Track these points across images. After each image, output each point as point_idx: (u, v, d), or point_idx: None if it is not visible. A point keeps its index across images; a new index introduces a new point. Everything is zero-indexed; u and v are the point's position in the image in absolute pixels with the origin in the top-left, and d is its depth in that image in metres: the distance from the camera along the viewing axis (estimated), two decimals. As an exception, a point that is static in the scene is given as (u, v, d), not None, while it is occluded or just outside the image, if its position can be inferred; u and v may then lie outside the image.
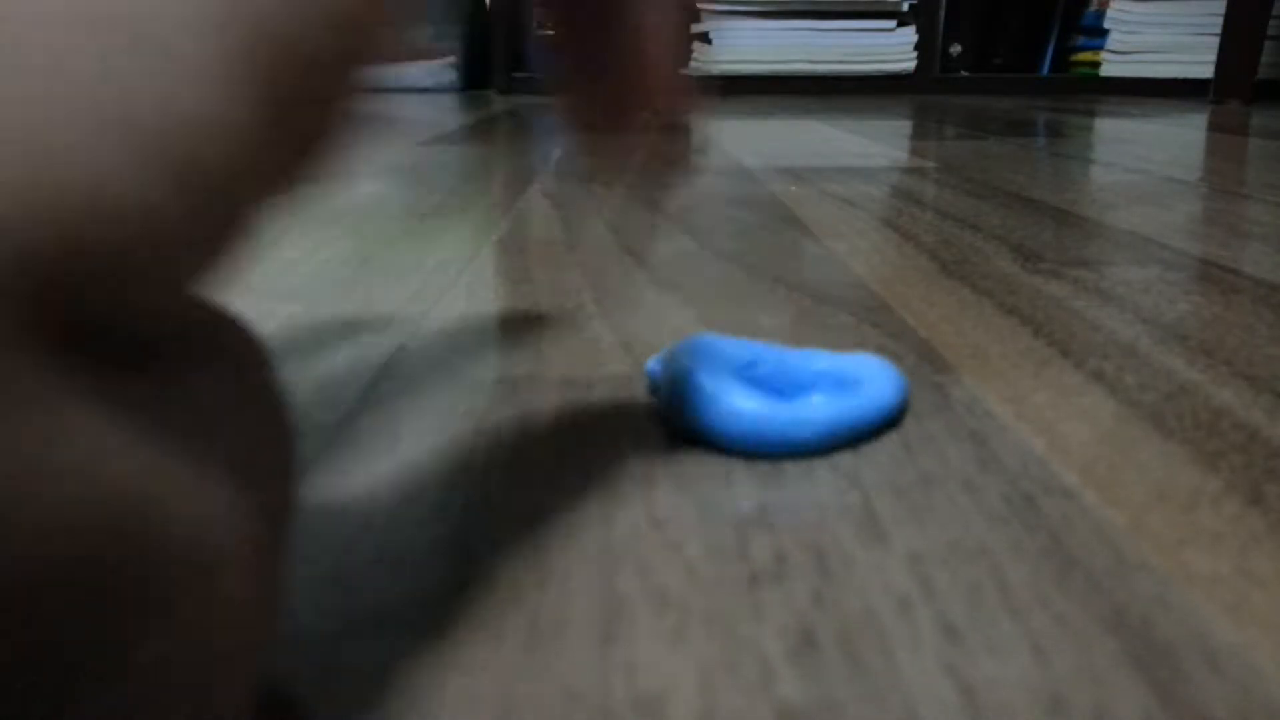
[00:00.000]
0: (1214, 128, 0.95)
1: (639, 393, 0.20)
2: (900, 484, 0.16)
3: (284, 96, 0.08)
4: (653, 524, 0.14)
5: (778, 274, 0.30)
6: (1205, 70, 1.47)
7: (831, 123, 0.99)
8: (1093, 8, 1.80)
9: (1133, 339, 0.23)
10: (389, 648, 0.11)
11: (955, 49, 1.84)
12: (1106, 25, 1.71)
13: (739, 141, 0.77)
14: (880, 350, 0.22)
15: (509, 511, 0.15)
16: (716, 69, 1.59)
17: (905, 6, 1.69)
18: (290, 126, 0.08)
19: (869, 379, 0.18)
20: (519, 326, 0.24)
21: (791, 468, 0.16)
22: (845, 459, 0.16)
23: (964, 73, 1.81)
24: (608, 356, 0.22)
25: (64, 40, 0.07)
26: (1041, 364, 0.21)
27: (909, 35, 1.69)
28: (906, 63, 1.69)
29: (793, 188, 0.50)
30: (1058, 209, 0.43)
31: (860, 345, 0.23)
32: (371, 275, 0.30)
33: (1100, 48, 1.73)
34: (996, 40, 1.89)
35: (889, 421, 0.18)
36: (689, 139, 0.18)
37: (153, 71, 0.07)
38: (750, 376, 0.18)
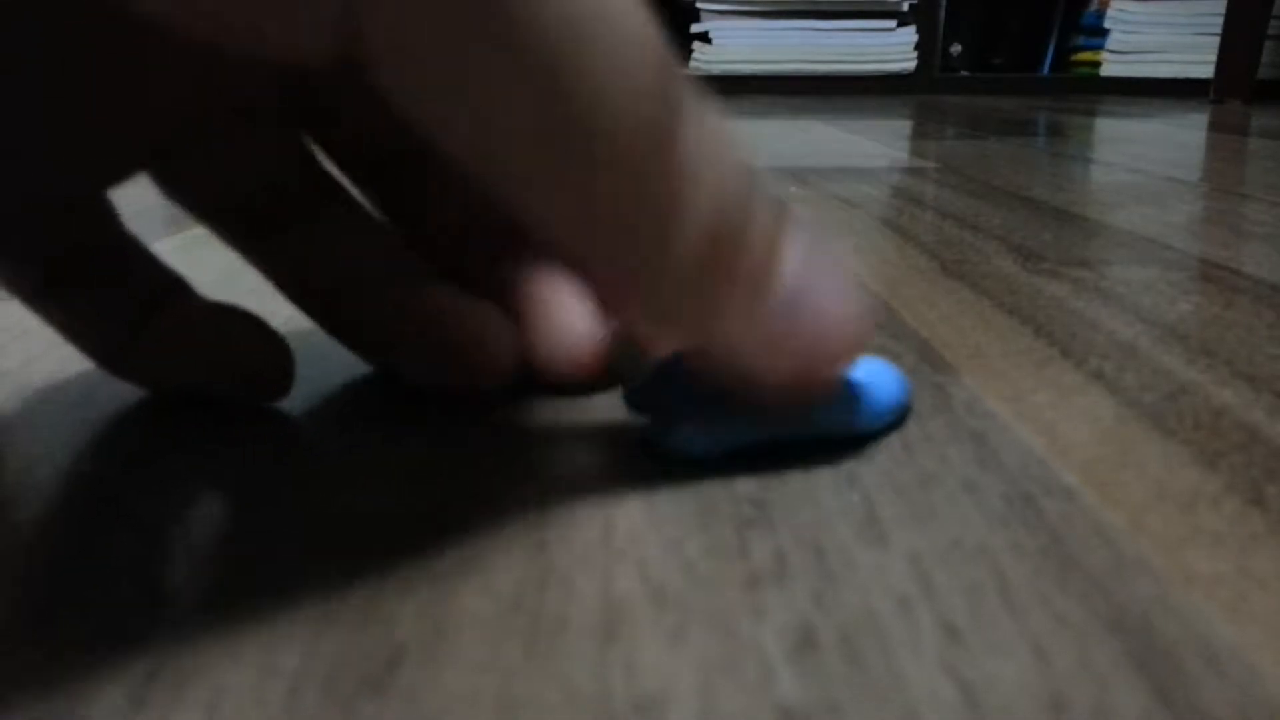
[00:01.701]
0: (1214, 128, 0.95)
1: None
2: (900, 484, 0.16)
3: None
4: (652, 524, 0.14)
5: (778, 274, 0.30)
6: (1205, 70, 1.47)
7: (831, 123, 0.99)
8: (1093, 8, 1.80)
9: (1133, 339, 0.23)
10: (388, 649, 0.11)
11: (955, 49, 1.84)
12: (1106, 25, 1.71)
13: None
14: (880, 350, 0.22)
15: (509, 511, 0.15)
16: (716, 69, 1.59)
17: (905, 6, 1.68)
18: None
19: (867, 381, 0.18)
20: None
21: (791, 468, 0.16)
22: (845, 459, 0.16)
23: (964, 73, 1.81)
24: (608, 356, 0.22)
25: None
26: (1041, 364, 0.21)
27: (909, 35, 1.69)
28: (906, 63, 1.69)
29: (793, 188, 0.50)
30: (1058, 209, 0.43)
31: (860, 345, 0.23)
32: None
33: (1100, 48, 1.73)
34: (996, 40, 1.89)
35: (883, 425, 0.17)
36: None
37: None
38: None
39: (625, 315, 0.15)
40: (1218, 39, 1.42)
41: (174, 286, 0.19)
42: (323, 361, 0.22)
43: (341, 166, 0.20)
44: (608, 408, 0.19)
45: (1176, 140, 0.80)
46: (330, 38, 0.11)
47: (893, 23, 1.68)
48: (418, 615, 0.12)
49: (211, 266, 0.32)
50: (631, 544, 0.14)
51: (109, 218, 0.19)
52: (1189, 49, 1.60)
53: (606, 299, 0.15)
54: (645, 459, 0.16)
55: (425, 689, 0.11)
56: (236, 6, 0.11)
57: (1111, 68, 1.70)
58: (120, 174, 0.18)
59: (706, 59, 1.61)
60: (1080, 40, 1.82)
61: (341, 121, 0.19)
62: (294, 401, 0.20)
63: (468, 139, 0.12)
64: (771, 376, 0.15)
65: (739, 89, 1.57)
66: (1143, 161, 0.63)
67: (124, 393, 0.20)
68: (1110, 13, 1.70)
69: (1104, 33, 1.71)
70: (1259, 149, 0.73)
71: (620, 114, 0.12)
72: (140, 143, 0.17)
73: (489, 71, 0.11)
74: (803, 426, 0.16)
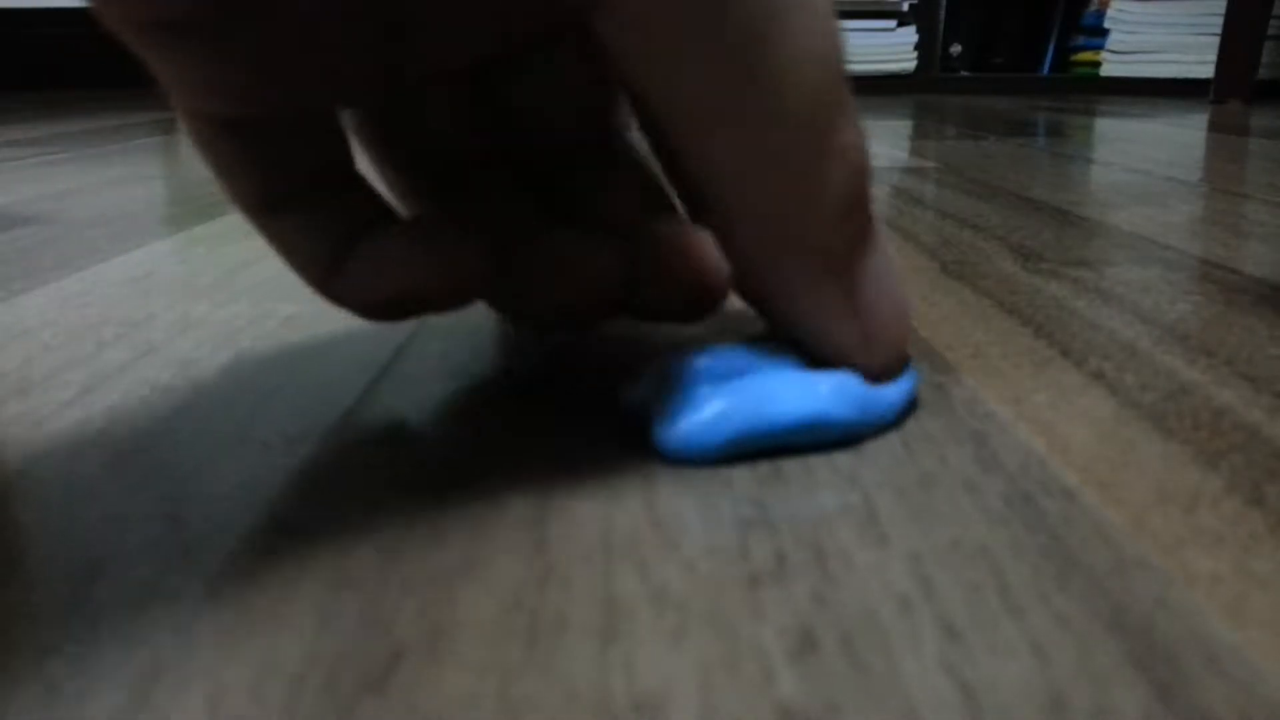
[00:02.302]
0: (1214, 128, 0.95)
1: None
2: (900, 484, 0.16)
3: None
4: (653, 524, 0.14)
5: (778, 274, 0.30)
6: (1205, 70, 1.47)
7: (831, 123, 0.99)
8: (1093, 8, 1.80)
9: (1133, 339, 0.23)
10: (388, 649, 0.11)
11: (955, 49, 1.84)
12: (1106, 25, 1.71)
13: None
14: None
15: (509, 511, 0.15)
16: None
17: (905, 6, 1.69)
18: None
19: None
20: (519, 326, 0.24)
21: (791, 468, 0.16)
22: (845, 459, 0.16)
23: (964, 73, 1.81)
24: (607, 356, 0.22)
25: None
26: (1041, 364, 0.21)
27: (909, 35, 1.69)
28: (906, 63, 1.69)
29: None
30: (1058, 209, 0.43)
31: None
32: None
33: (1100, 48, 1.73)
34: (996, 40, 1.89)
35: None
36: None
37: None
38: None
39: (767, 260, 0.17)
40: (1218, 39, 1.42)
41: (384, 213, 0.19)
42: (317, 366, 0.22)
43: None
44: (608, 407, 0.19)
45: (1176, 140, 0.80)
46: None
47: (893, 23, 1.68)
48: (418, 615, 0.12)
49: (210, 266, 0.32)
50: (631, 544, 0.14)
51: (345, 139, 0.19)
52: (1189, 49, 1.60)
53: (756, 247, 0.17)
54: (645, 459, 0.16)
55: (425, 689, 0.11)
56: None
57: (1111, 68, 1.70)
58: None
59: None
60: (1080, 40, 1.82)
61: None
62: (289, 403, 0.20)
63: (672, 94, 0.15)
64: (856, 346, 0.17)
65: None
66: (1143, 161, 0.63)
67: (121, 392, 0.20)
68: (1110, 13, 1.70)
69: (1104, 33, 1.71)
70: (1259, 149, 0.73)
71: (804, 81, 0.14)
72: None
73: (702, 35, 0.14)
74: (806, 426, 0.16)
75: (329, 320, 0.25)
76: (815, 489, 0.15)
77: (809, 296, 0.17)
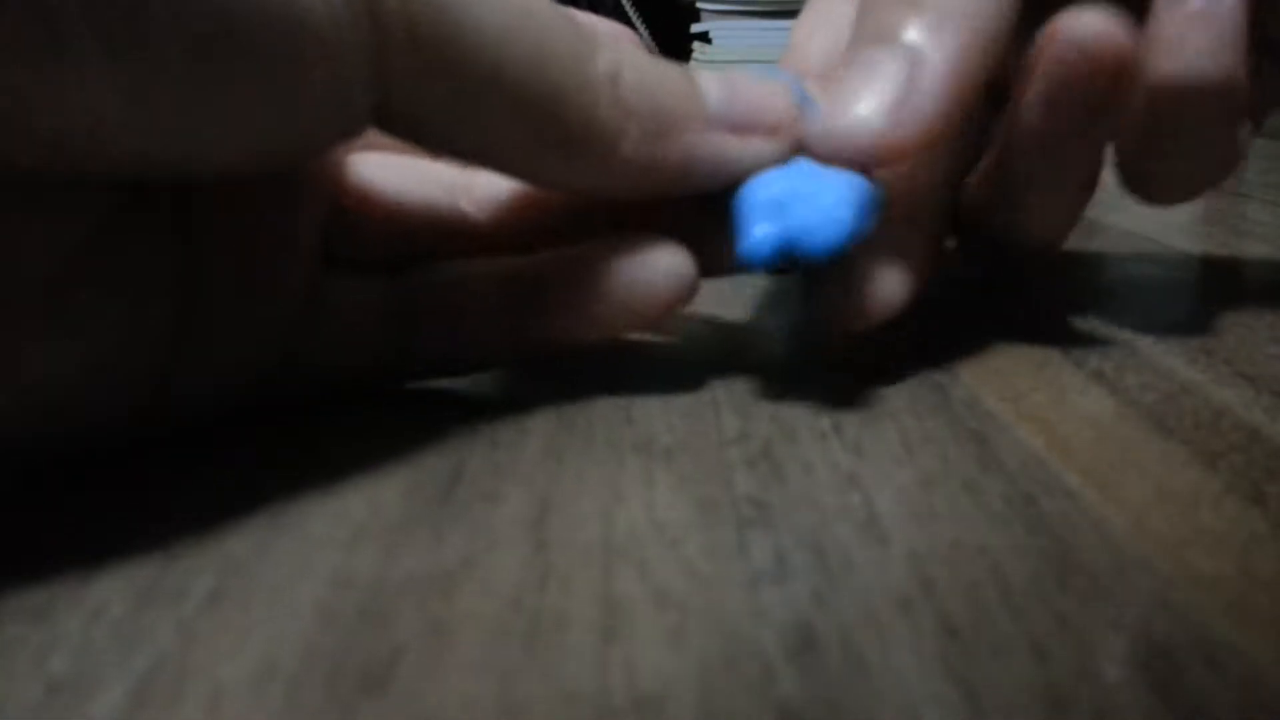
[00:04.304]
0: (1214, 128, 0.95)
1: (638, 392, 0.20)
2: (900, 484, 0.16)
3: None
4: (653, 524, 0.14)
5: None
6: (1205, 70, 1.46)
7: (831, 122, 0.99)
8: (1093, 7, 1.79)
9: (1132, 339, 0.23)
10: (388, 649, 0.11)
11: (955, 49, 1.83)
12: (1107, 25, 1.70)
13: (739, 141, 0.77)
14: (880, 349, 0.22)
15: (509, 510, 0.15)
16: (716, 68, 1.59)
17: (905, 6, 1.68)
18: None
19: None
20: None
21: (791, 468, 0.16)
22: (845, 459, 0.16)
23: (964, 72, 1.81)
24: (607, 357, 0.22)
25: None
26: (1041, 364, 0.21)
27: (909, 35, 1.68)
28: (906, 62, 1.69)
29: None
30: (1058, 209, 0.43)
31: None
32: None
33: (1100, 48, 1.73)
34: (996, 40, 1.89)
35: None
36: None
37: None
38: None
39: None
40: (1218, 39, 1.41)
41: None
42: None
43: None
44: (607, 405, 0.19)
45: (1176, 140, 0.80)
46: (366, 122, 0.15)
47: (893, 22, 1.68)
48: (418, 615, 0.12)
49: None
50: (631, 544, 0.14)
51: None
52: (1189, 49, 1.60)
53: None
54: (645, 459, 0.16)
55: (425, 689, 0.11)
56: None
57: (1111, 68, 1.70)
58: None
59: (707, 58, 1.61)
60: (1080, 40, 1.82)
61: None
62: (283, 407, 0.20)
63: (478, 149, 0.17)
64: (746, 151, 0.18)
65: (739, 89, 1.57)
66: (1143, 161, 0.63)
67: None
68: (1110, 12, 1.70)
69: (1104, 32, 1.71)
70: (1259, 149, 0.73)
71: (564, 102, 0.16)
72: None
73: (478, 106, 0.15)
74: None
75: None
76: (815, 489, 0.15)
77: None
